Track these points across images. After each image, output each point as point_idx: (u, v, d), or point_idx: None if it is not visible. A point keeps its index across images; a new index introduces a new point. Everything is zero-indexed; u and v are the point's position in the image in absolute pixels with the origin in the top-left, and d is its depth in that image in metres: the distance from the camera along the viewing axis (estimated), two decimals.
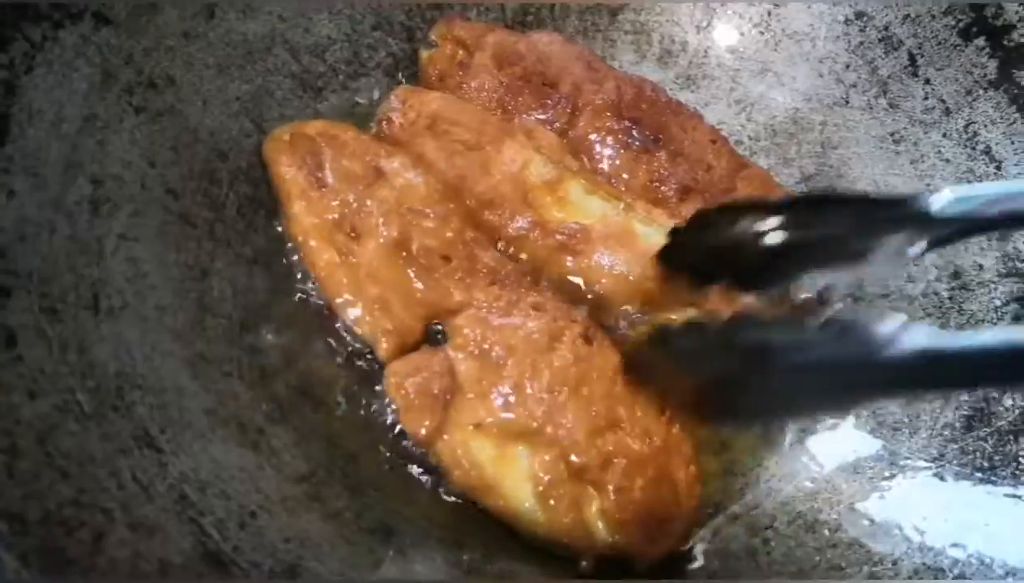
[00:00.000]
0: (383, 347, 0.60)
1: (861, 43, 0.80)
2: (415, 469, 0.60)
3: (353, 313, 0.61)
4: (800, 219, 0.51)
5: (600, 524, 0.55)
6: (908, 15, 0.77)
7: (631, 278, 0.64)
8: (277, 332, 0.62)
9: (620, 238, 0.65)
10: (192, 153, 0.66)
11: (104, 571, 0.42)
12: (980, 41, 0.74)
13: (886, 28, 0.78)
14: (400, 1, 0.80)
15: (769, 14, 0.83)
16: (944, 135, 0.75)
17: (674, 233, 0.60)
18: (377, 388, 0.62)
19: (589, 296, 0.65)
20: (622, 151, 0.71)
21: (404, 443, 0.60)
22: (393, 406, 0.59)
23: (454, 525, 0.57)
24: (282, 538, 0.51)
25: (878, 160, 0.77)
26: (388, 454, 0.60)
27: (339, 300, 0.62)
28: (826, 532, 0.61)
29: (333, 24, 0.77)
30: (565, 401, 0.57)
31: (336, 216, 0.63)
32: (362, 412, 0.61)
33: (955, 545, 0.58)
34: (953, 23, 0.75)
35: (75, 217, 0.56)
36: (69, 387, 0.48)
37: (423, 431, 0.57)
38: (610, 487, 0.56)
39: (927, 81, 0.76)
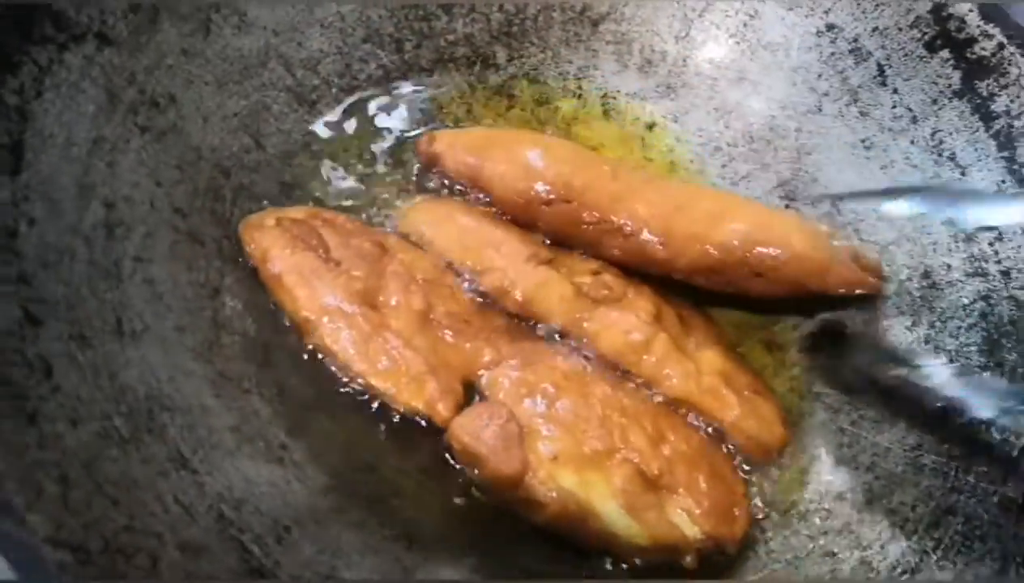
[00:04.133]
0: (440, 411, 0.61)
1: (832, 54, 0.83)
2: (431, 474, 0.61)
3: (392, 385, 0.61)
4: None
5: (686, 522, 0.60)
6: (876, 27, 0.81)
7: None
8: (290, 348, 0.63)
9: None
10: (196, 171, 0.66)
11: None
12: (944, 53, 0.78)
13: (855, 40, 0.82)
14: (388, 8, 0.81)
15: (745, 25, 0.86)
16: (912, 142, 0.79)
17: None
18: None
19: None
20: None
21: (419, 451, 0.62)
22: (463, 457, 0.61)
23: (475, 528, 0.59)
24: (316, 550, 0.52)
25: (850, 165, 0.81)
26: (403, 462, 0.62)
27: (375, 374, 0.61)
28: (817, 520, 0.64)
29: (324, 37, 0.78)
30: (619, 421, 0.62)
31: (358, 292, 0.64)
32: (374, 420, 0.63)
33: (936, 526, 0.62)
34: (919, 36, 0.79)
35: (92, 241, 0.57)
36: (106, 413, 0.49)
37: (514, 473, 0.59)
38: (681, 488, 0.60)
39: (895, 90, 0.80)
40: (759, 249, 0.69)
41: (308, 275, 0.63)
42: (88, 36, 0.61)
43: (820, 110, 0.84)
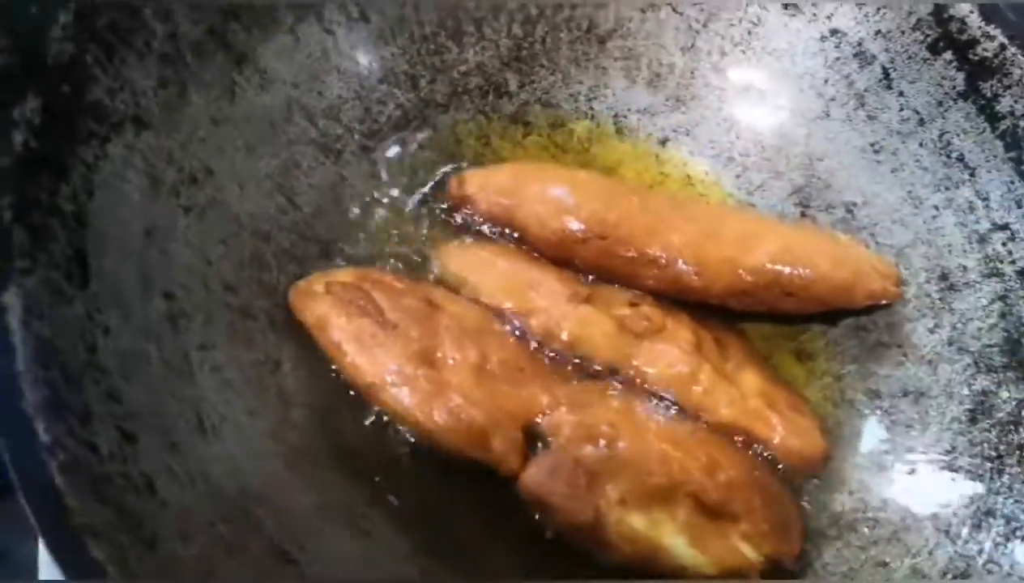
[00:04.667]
0: (509, 463, 0.63)
1: (837, 58, 0.85)
2: (507, 522, 0.64)
3: (460, 442, 0.63)
4: None
5: (747, 546, 0.63)
6: (879, 31, 0.83)
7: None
8: (353, 410, 0.65)
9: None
10: (239, 242, 0.67)
11: None
12: (948, 55, 0.80)
13: (859, 44, 0.84)
14: (400, 46, 0.81)
15: (749, 33, 0.87)
16: (920, 144, 0.81)
17: None
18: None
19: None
20: None
21: (492, 502, 0.64)
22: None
23: (557, 570, 0.62)
24: None
25: (862, 170, 0.84)
26: (477, 513, 0.64)
27: (442, 433, 0.63)
28: (865, 530, 0.68)
29: (342, 83, 0.78)
30: (676, 455, 0.64)
31: (416, 353, 0.64)
32: (446, 476, 0.65)
33: (978, 529, 0.66)
34: (922, 38, 0.81)
35: (161, 339, 0.57)
36: (210, 521, 0.50)
37: (587, 521, 0.61)
38: (740, 514, 0.63)
39: (901, 93, 0.82)
40: (788, 271, 0.72)
41: (368, 342, 0.64)
42: (126, 123, 0.60)
43: (828, 115, 0.85)
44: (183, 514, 0.49)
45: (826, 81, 0.86)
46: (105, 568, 0.43)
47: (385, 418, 0.65)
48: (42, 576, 0.60)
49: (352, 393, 0.65)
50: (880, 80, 0.83)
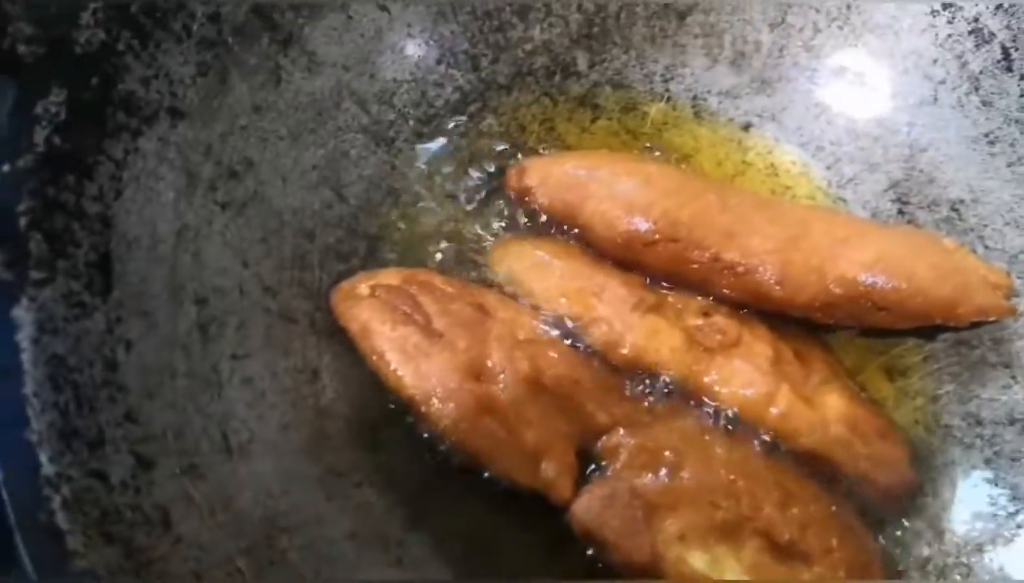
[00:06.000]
0: (559, 490, 0.58)
1: (949, 36, 0.75)
2: (554, 551, 0.59)
3: (507, 464, 0.59)
4: None
5: None
6: (1000, 5, 0.73)
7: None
8: (395, 425, 0.61)
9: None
10: (280, 240, 0.63)
11: None
12: None
13: (976, 20, 0.74)
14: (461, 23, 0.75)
15: (848, 7, 0.78)
16: None
17: None
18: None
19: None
20: None
21: (539, 528, 0.59)
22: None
23: None
24: None
25: (971, 163, 0.74)
26: (523, 540, 0.60)
27: (488, 453, 0.59)
28: (957, 577, 0.61)
29: (397, 65, 0.73)
30: (745, 486, 0.58)
31: (463, 365, 0.60)
32: (490, 499, 0.60)
33: None
34: None
35: (189, 349, 0.54)
36: (228, 555, 0.47)
37: (643, 560, 0.56)
38: (813, 554, 0.57)
39: (1023, 77, 0.73)
40: (882, 283, 0.64)
41: (412, 352, 0.60)
42: (160, 114, 0.57)
43: (936, 101, 0.76)
44: (197, 551, 0.46)
45: (935, 61, 0.76)
46: None
47: (428, 435, 0.60)
48: None
49: (394, 406, 0.61)
50: (999, 61, 0.74)
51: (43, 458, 0.42)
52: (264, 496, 0.52)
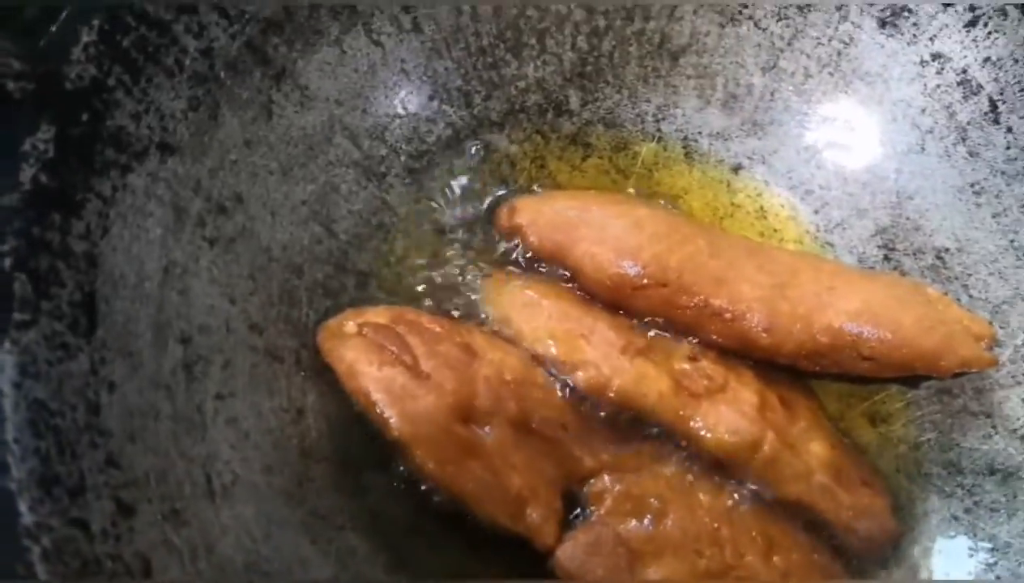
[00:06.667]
0: (544, 536, 0.58)
1: (938, 86, 0.76)
2: None
3: (492, 508, 0.58)
4: None
5: None
6: (988, 58, 0.74)
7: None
8: (380, 467, 0.60)
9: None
10: (268, 276, 0.63)
11: None
12: None
13: (964, 71, 0.75)
14: (455, 59, 0.75)
15: (839, 54, 0.79)
16: None
17: None
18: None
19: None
20: None
21: (524, 572, 0.59)
22: None
23: None
24: None
25: (957, 212, 0.75)
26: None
27: (473, 497, 0.58)
28: None
29: (389, 100, 0.73)
30: (728, 535, 0.59)
31: (449, 408, 0.59)
32: (475, 542, 0.60)
33: None
34: None
35: (173, 390, 0.53)
36: None
37: None
38: None
39: (1009, 129, 0.73)
40: (868, 333, 0.65)
41: (399, 393, 0.59)
42: (150, 150, 0.56)
43: (923, 149, 0.77)
44: None
45: (923, 111, 0.77)
46: None
47: (413, 477, 0.59)
48: None
49: (379, 447, 0.60)
50: (986, 113, 0.74)
51: (23, 507, 0.41)
52: (247, 540, 0.51)
